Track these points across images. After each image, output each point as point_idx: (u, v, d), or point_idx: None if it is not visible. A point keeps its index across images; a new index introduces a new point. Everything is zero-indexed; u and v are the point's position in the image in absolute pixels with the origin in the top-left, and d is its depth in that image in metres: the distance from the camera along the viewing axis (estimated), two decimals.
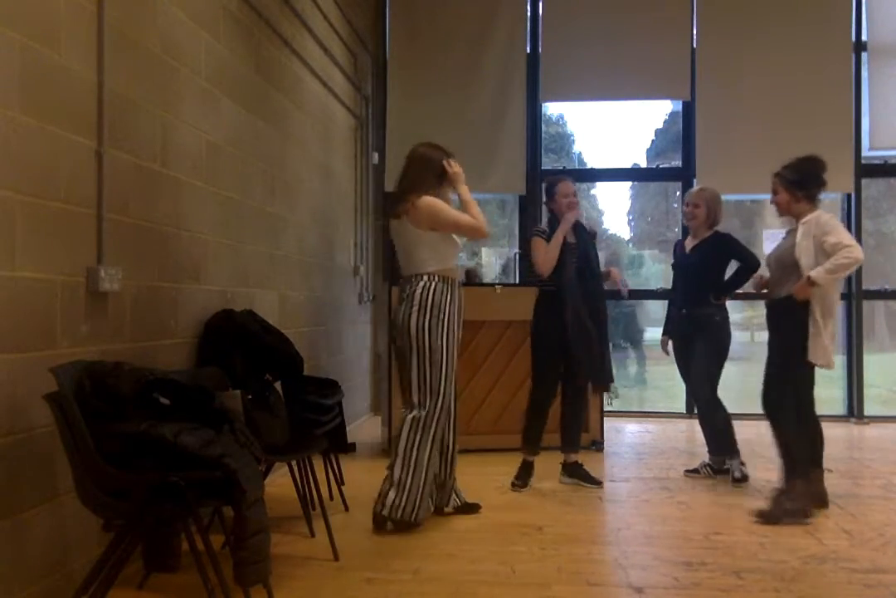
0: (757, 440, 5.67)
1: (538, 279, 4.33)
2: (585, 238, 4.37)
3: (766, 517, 3.63)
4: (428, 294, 3.55)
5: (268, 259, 4.43)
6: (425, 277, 3.57)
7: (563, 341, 4.16)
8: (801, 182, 3.86)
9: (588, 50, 6.70)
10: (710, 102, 6.62)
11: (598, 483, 4.31)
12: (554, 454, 4.43)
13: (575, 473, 4.36)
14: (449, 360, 3.55)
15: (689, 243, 4.65)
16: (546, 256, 4.22)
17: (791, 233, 3.95)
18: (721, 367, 4.48)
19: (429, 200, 3.55)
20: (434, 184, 3.61)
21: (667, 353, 4.75)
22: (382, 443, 5.31)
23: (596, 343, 4.21)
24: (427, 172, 3.62)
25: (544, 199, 4.54)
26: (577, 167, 8.31)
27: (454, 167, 3.65)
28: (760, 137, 6.46)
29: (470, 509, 3.79)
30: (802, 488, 3.69)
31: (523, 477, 4.30)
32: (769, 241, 7.67)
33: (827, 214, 3.84)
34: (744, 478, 4.39)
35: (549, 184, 4.45)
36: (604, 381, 4.40)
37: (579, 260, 4.27)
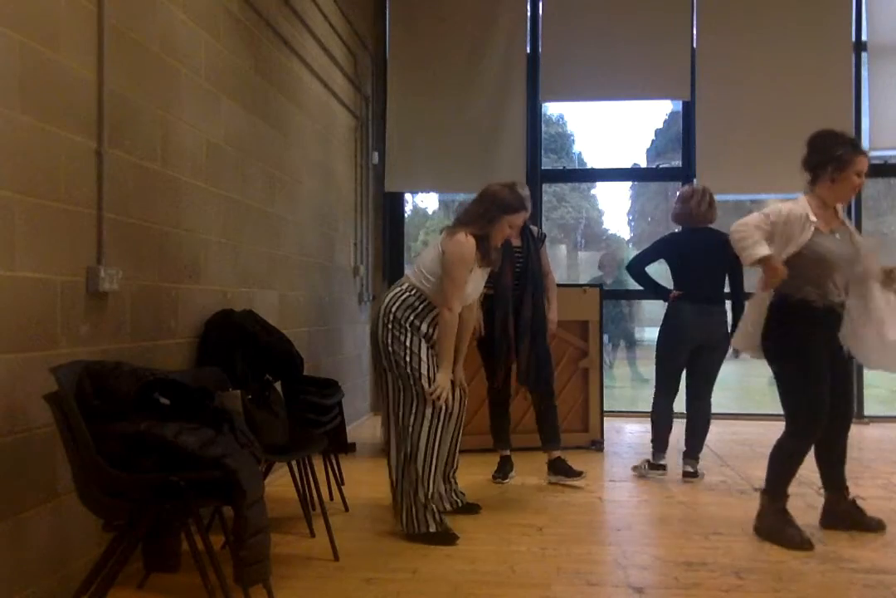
0: (756, 440, 5.68)
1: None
2: (530, 243, 4.39)
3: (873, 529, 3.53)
4: (392, 306, 3.37)
5: (268, 259, 4.44)
6: (404, 286, 3.42)
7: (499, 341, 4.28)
8: None
9: (588, 50, 6.70)
10: (710, 102, 6.62)
11: (579, 474, 4.31)
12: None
13: (558, 469, 4.37)
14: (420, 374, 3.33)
15: None
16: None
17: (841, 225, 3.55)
18: (660, 367, 4.53)
19: (461, 243, 3.35)
20: (484, 225, 3.43)
21: None
22: (382, 443, 5.30)
23: (523, 346, 4.25)
24: (484, 212, 3.47)
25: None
26: (577, 167, 8.33)
27: (501, 230, 3.48)
28: (760, 137, 6.46)
29: (470, 509, 3.78)
30: None
31: (502, 470, 4.46)
32: None
33: None
34: (660, 468, 4.46)
35: None
36: (533, 384, 4.34)
37: (521, 265, 4.33)
